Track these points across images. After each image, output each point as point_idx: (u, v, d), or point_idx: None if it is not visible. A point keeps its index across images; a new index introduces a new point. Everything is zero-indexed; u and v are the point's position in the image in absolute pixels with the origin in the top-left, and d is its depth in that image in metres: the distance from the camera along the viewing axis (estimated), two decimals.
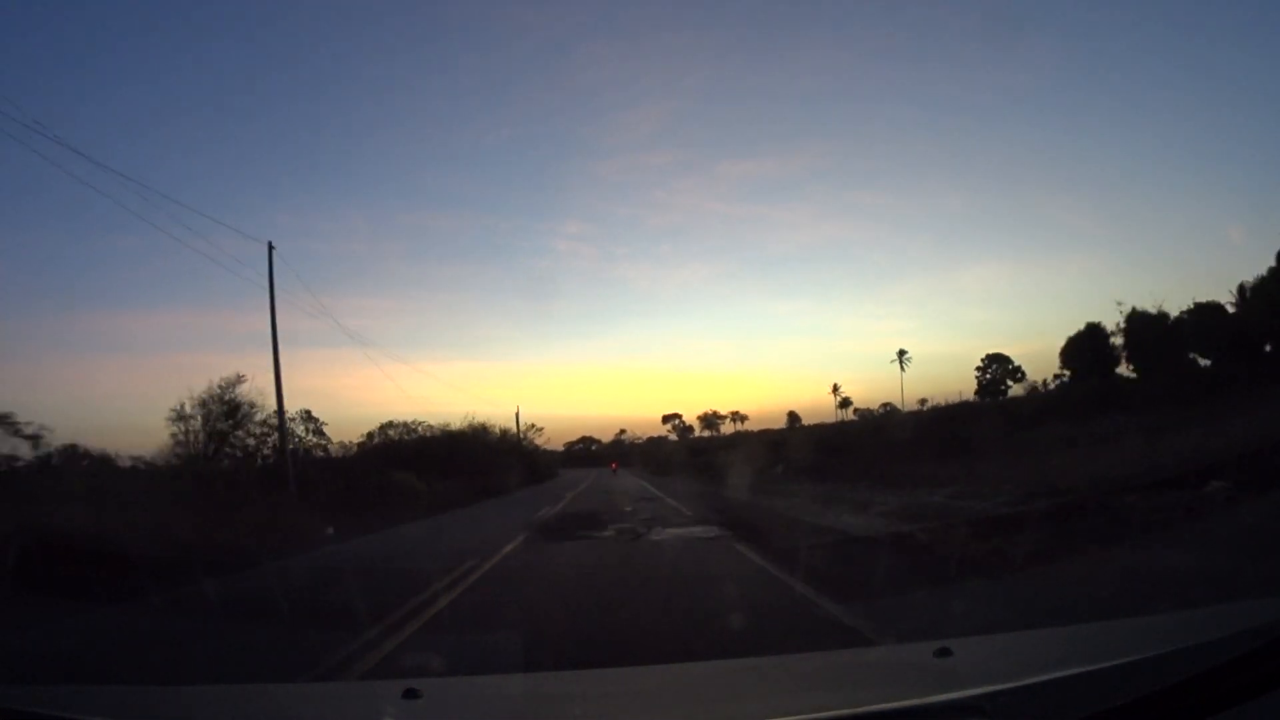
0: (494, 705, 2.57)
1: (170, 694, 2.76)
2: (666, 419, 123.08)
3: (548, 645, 5.75)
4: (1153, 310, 34.85)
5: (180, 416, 24.01)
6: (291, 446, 25.07)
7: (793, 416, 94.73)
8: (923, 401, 63.46)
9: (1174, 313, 34.62)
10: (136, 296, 79.32)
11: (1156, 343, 33.93)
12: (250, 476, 22.33)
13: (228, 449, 24.80)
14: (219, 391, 24.51)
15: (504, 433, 55.40)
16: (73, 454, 20.97)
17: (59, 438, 18.42)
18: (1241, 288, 33.11)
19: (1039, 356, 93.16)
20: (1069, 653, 2.38)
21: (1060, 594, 6.70)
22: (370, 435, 39.27)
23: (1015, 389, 58.67)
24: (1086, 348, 38.30)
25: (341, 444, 33.02)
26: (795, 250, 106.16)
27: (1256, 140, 69.49)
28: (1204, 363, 34.37)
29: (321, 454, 30.95)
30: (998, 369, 66.50)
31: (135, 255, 72.84)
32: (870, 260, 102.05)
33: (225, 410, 24.59)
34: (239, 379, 24.60)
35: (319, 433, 32.18)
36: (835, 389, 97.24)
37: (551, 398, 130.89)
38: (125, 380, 62.04)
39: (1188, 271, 72.59)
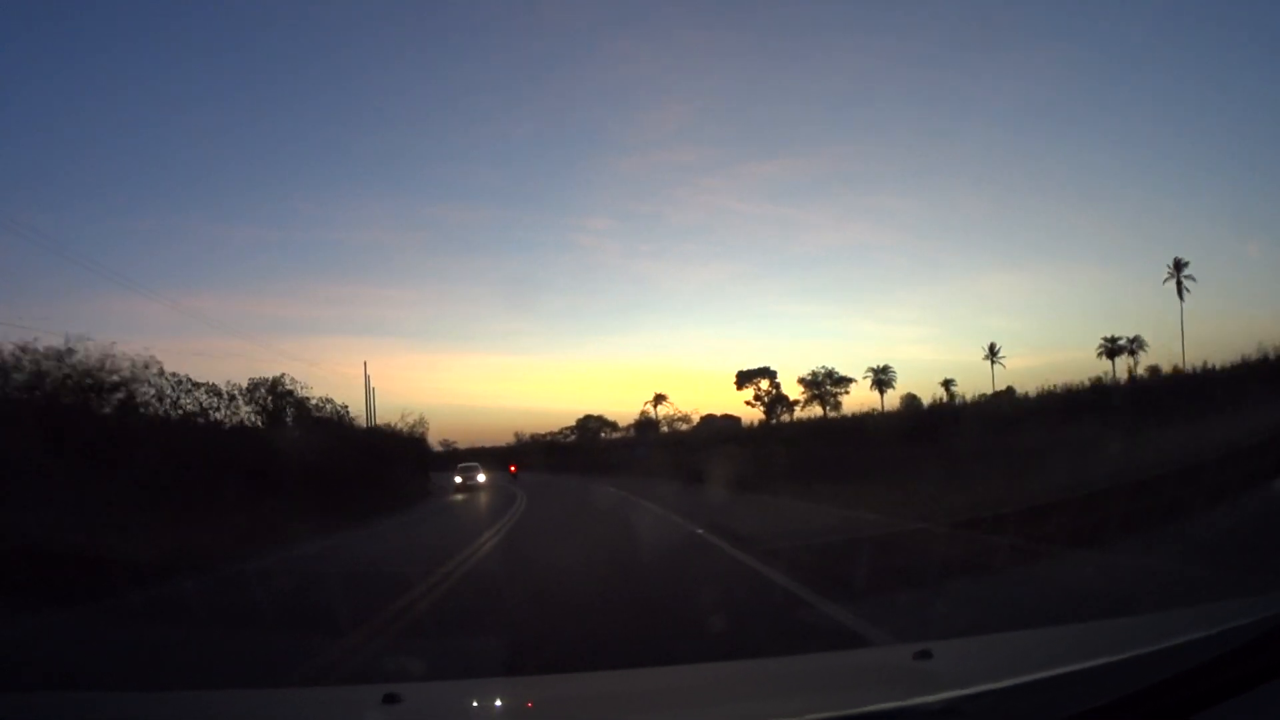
0: (475, 709, 2.59)
1: (147, 700, 2.80)
2: (745, 379, 75.19)
3: None
4: None
5: None
6: None
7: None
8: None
9: None
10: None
11: None
12: None
13: None
14: None
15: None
16: None
17: None
18: None
19: (1051, 368, 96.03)
20: (1050, 654, 2.39)
21: None
22: None
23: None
24: None
25: None
26: (817, 252, 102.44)
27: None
28: None
29: None
30: None
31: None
32: (892, 264, 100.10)
33: None
34: None
35: None
36: (993, 351, 71.81)
37: (571, 392, 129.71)
38: None
39: (1208, 286, 71.76)
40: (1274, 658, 1.73)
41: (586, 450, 66.24)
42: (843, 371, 76.42)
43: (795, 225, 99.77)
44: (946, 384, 65.63)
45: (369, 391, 41.93)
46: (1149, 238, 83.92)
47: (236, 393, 24.71)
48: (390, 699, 2.20)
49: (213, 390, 23.41)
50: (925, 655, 2.34)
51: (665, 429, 77.42)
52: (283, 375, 27.39)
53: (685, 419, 77.69)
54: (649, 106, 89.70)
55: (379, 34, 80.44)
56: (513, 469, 56.38)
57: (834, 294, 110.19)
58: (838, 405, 73.23)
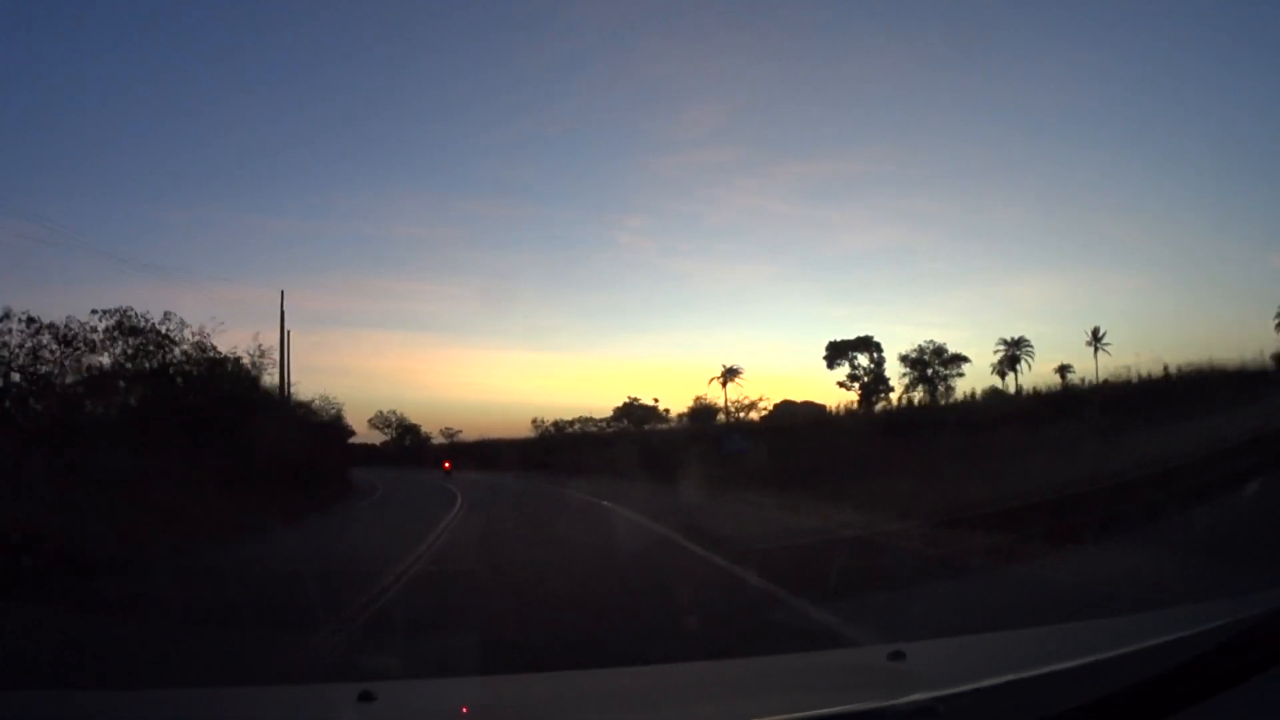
0: (450, 708, 2.56)
1: (116, 699, 2.78)
2: (839, 353, 59.21)
3: None
4: None
5: None
6: None
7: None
8: None
9: None
10: None
11: None
12: None
13: None
14: None
15: None
16: None
17: None
18: None
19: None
20: (1025, 655, 2.39)
21: None
22: None
23: None
24: None
25: None
26: (850, 254, 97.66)
27: None
28: None
29: None
30: None
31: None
32: (924, 267, 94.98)
33: None
34: None
35: None
36: (1096, 336, 60.01)
37: (606, 389, 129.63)
38: None
39: (1238, 297, 71.35)
40: (1251, 659, 1.72)
41: (624, 444, 47.08)
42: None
43: (831, 226, 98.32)
44: (1062, 370, 54.07)
45: (284, 343, 28.48)
46: (1180, 247, 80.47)
47: (91, 334, 18.69)
48: (365, 697, 2.16)
49: (65, 338, 17.89)
50: (899, 656, 2.32)
51: (728, 417, 61.69)
52: (168, 315, 20.74)
53: (754, 405, 62.18)
54: (686, 106, 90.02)
55: (418, 29, 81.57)
56: (446, 466, 47.51)
57: (869, 296, 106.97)
58: (950, 390, 56.97)
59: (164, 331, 20.65)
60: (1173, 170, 77.81)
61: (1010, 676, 1.86)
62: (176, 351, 21.04)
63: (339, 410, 35.37)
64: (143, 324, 20.02)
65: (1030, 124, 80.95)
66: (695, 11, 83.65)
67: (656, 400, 67.82)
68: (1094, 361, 59.33)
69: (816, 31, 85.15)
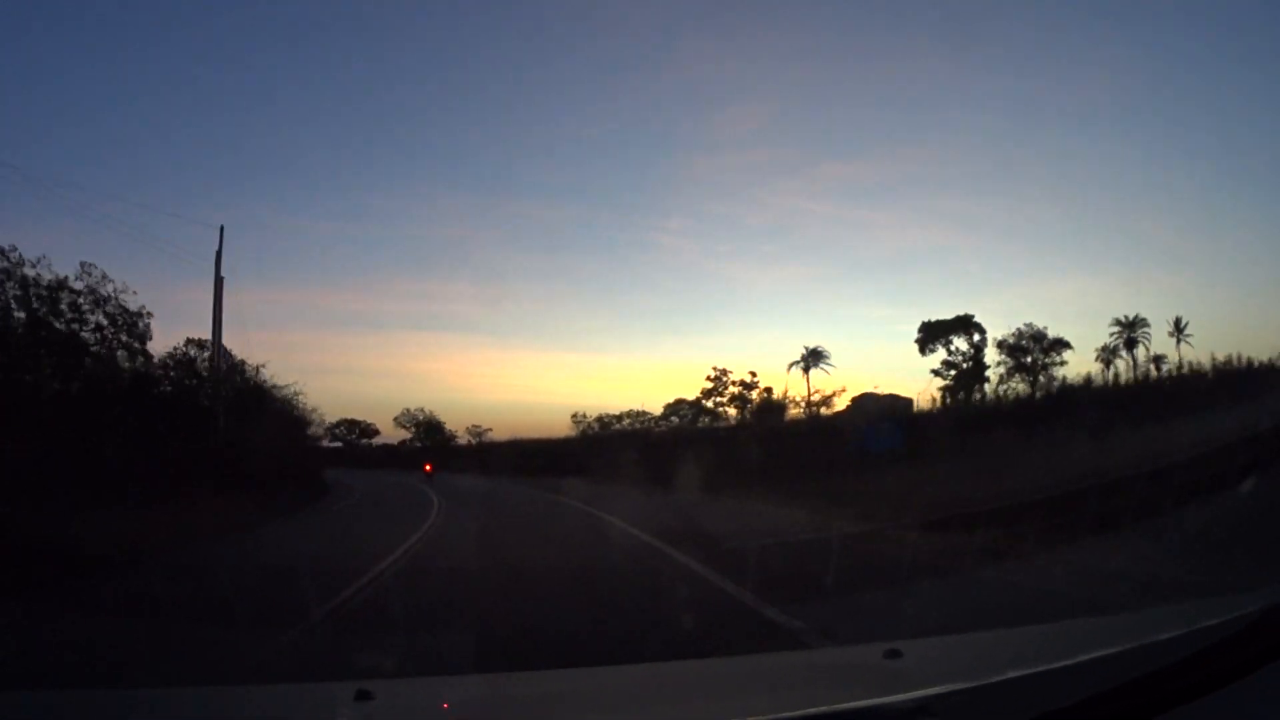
0: (447, 706, 2.53)
1: (116, 699, 2.75)
2: (934, 336, 51.26)
3: None
4: None
5: None
6: None
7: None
8: None
9: None
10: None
11: None
12: None
13: None
14: None
15: None
16: None
17: None
18: None
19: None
20: (1020, 653, 2.38)
21: None
22: None
23: None
24: None
25: None
26: (893, 255, 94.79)
27: None
28: None
29: None
30: None
31: None
32: (967, 268, 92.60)
33: None
34: None
35: None
36: (1179, 325, 54.46)
37: (648, 391, 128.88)
38: None
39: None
40: (1245, 656, 1.70)
41: (688, 443, 39.86)
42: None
43: (873, 227, 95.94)
44: (1157, 361, 48.68)
45: (219, 296, 22.02)
46: (1219, 250, 76.20)
47: None
48: (362, 696, 2.13)
49: None
50: (895, 654, 2.30)
51: (808, 409, 53.22)
52: (87, 268, 17.13)
53: (830, 399, 54.10)
54: (726, 107, 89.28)
55: (459, 31, 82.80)
56: (428, 468, 43.43)
57: (913, 296, 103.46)
58: (1051, 378, 49.09)
59: (77, 287, 16.72)
60: (1220, 166, 74.11)
61: (1005, 675, 1.86)
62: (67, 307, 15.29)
63: (265, 377, 26.06)
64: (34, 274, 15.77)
65: (1072, 124, 79.25)
66: (735, 12, 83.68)
67: (754, 375, 59.19)
68: (1177, 353, 53.44)
69: (857, 31, 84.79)
